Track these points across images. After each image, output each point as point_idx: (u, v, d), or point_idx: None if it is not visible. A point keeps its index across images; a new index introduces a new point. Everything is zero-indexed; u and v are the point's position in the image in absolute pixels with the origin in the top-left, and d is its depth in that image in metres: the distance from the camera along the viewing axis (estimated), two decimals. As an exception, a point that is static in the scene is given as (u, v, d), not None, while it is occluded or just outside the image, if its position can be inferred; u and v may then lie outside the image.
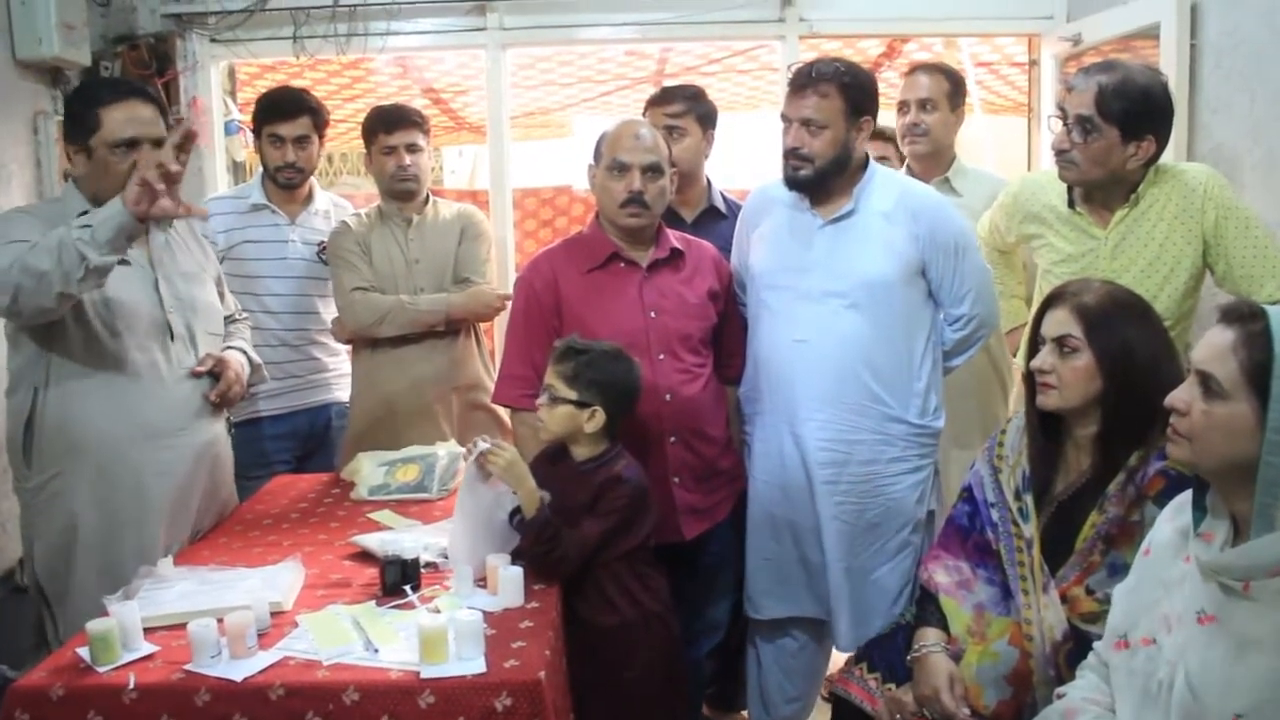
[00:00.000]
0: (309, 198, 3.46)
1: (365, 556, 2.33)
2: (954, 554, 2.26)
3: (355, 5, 3.88)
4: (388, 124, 3.22)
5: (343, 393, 3.48)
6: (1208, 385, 1.57)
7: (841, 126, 2.54)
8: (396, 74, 4.96)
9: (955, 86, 3.28)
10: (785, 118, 2.57)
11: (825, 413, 2.57)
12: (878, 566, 2.63)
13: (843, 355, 2.56)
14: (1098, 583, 1.99)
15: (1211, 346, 1.59)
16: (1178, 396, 1.62)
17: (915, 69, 3.36)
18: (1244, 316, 1.58)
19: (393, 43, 4.01)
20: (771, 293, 2.65)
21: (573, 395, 2.30)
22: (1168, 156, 2.60)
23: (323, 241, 3.38)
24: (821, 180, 2.57)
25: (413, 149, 3.23)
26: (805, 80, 2.52)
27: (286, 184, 3.36)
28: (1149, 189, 2.54)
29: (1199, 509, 1.66)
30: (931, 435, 2.67)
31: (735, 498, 2.74)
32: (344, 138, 5.98)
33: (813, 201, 2.62)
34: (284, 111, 3.30)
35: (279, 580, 2.13)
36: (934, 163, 3.29)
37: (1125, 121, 2.44)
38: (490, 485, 2.24)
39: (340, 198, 3.66)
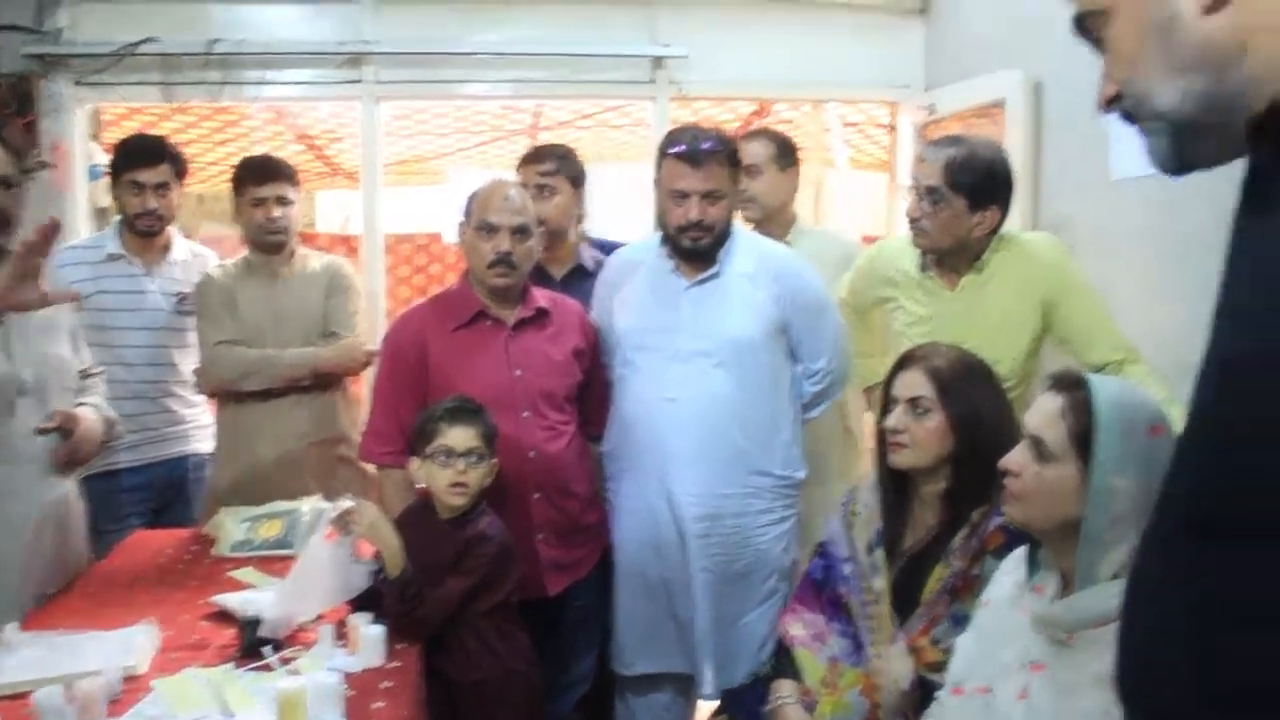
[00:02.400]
0: (168, 247, 3.38)
1: (225, 616, 2.28)
2: (809, 607, 2.34)
3: (229, 54, 3.83)
4: (257, 176, 3.20)
5: (201, 444, 3.41)
6: (1038, 449, 1.68)
7: (732, 194, 2.67)
8: (270, 119, 4.92)
9: (781, 148, 3.37)
10: (680, 191, 2.62)
11: (697, 469, 2.63)
12: (746, 613, 2.70)
13: (712, 412, 2.63)
14: (942, 633, 2.07)
15: (1042, 412, 1.70)
16: (1012, 459, 1.72)
17: (742, 136, 3.44)
18: (1070, 384, 1.69)
19: (267, 92, 3.98)
20: (639, 353, 2.71)
21: (487, 452, 2.35)
22: (1014, 224, 2.75)
23: (181, 292, 3.32)
24: (718, 247, 2.66)
25: (282, 201, 3.21)
26: (700, 154, 2.59)
27: (146, 231, 3.28)
28: (994, 256, 2.67)
29: (1033, 564, 1.77)
30: (794, 486, 2.77)
31: (599, 553, 2.77)
32: (214, 180, 5.89)
33: (679, 264, 2.70)
34: (144, 158, 3.23)
35: (133, 643, 2.07)
36: (773, 225, 3.35)
37: (971, 193, 2.57)
38: (342, 542, 2.24)
39: (202, 247, 3.58)
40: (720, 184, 2.61)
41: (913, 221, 2.66)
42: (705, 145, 2.59)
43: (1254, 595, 0.86)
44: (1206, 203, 2.46)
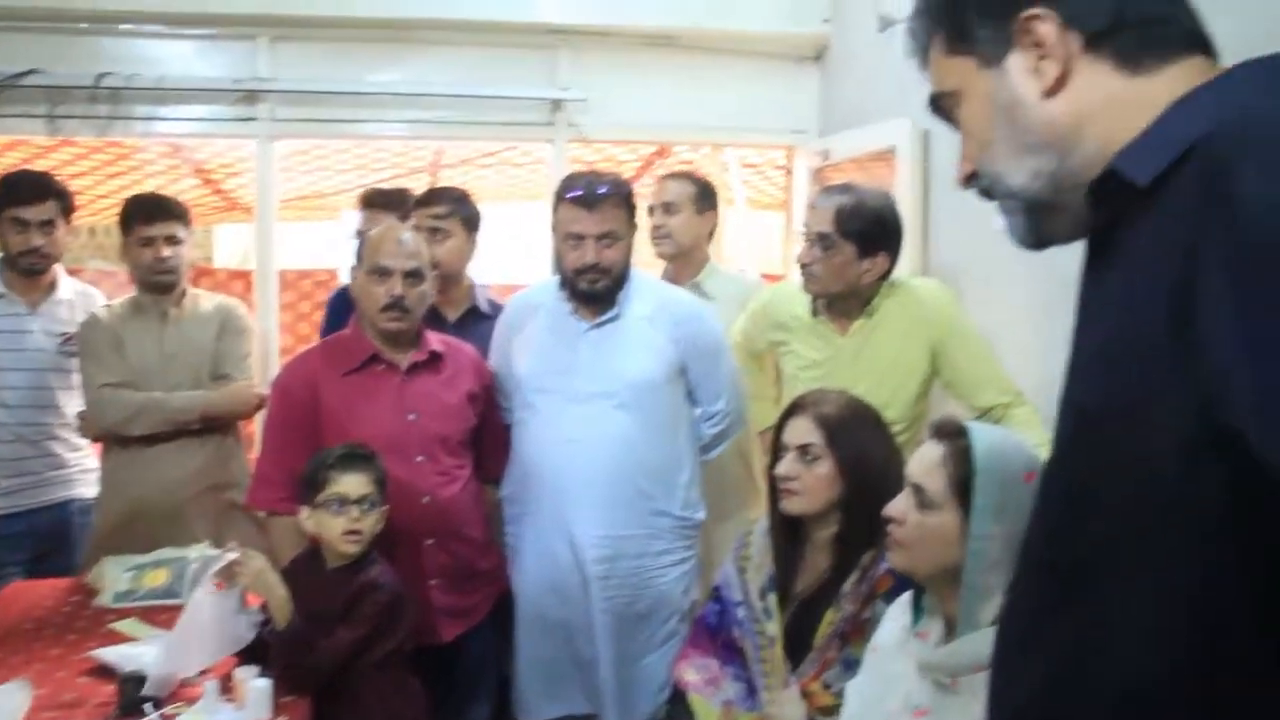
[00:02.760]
0: (53, 285, 3.29)
1: (105, 671, 2.20)
2: (704, 652, 2.35)
3: (118, 88, 3.75)
4: (146, 215, 3.13)
5: (85, 489, 3.31)
6: (920, 497, 1.71)
7: (629, 237, 2.69)
8: (165, 152, 4.82)
9: (701, 191, 3.42)
10: (576, 234, 2.65)
11: (599, 510, 2.64)
12: (646, 655, 2.70)
13: (613, 454, 2.64)
14: (834, 677, 2.09)
15: (923, 461, 1.74)
16: (895, 507, 1.75)
17: (664, 175, 3.52)
18: (950, 433, 1.73)
19: (158, 128, 3.91)
20: (540, 395, 2.71)
21: (380, 499, 2.32)
22: (904, 270, 2.81)
23: (66, 333, 3.23)
24: (616, 290, 2.69)
25: (172, 241, 3.14)
26: (595, 198, 2.62)
27: (30, 270, 3.19)
28: (883, 301, 2.73)
29: (917, 609, 1.80)
30: (694, 527, 2.79)
31: (494, 598, 2.75)
32: (106, 213, 5.75)
33: (578, 307, 2.71)
34: (29, 195, 3.14)
35: (1, 705, 2.00)
36: (685, 264, 3.41)
37: (860, 239, 2.63)
38: (228, 593, 2.19)
39: (88, 286, 3.49)
40: (616, 226, 2.64)
41: (804, 267, 2.71)
42: (600, 190, 2.63)
43: (1100, 636, 0.90)
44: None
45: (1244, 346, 0.74)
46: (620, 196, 2.66)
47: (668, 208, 3.37)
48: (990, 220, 3.05)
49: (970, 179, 1.08)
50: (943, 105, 1.09)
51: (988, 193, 1.07)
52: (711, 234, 3.50)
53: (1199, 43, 0.96)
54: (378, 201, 3.44)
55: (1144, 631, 0.86)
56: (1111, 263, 0.94)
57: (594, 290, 2.66)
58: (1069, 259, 2.66)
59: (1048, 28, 0.95)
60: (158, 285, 3.16)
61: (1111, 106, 0.94)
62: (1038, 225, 1.04)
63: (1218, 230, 0.77)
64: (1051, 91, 0.97)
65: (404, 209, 3.38)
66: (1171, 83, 0.92)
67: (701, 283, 3.38)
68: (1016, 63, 0.99)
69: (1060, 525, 0.98)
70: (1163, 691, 0.85)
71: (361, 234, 3.20)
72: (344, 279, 3.84)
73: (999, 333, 2.83)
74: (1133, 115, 0.92)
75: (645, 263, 3.84)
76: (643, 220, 3.25)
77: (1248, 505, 0.77)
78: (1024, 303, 2.89)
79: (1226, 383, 0.75)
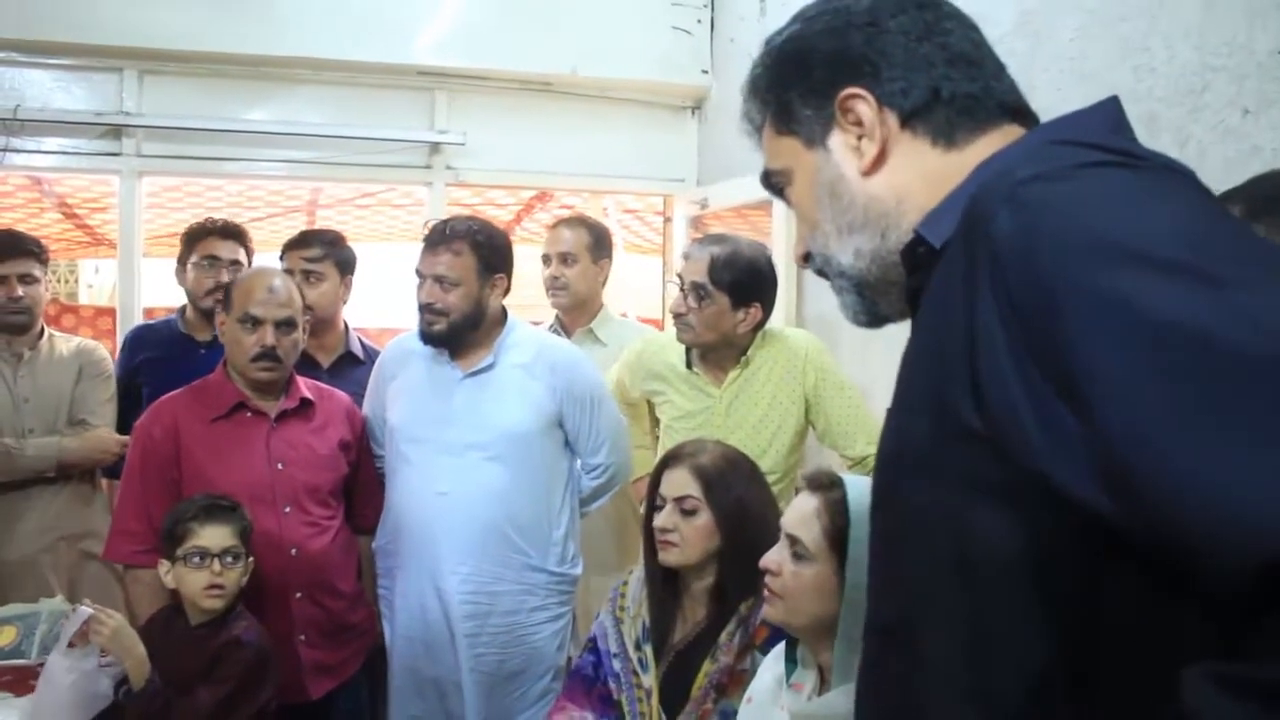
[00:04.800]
0: None
1: (-60, 739, 2.10)
2: (579, 704, 2.31)
3: (-30, 118, 3.60)
4: None
5: None
6: (795, 548, 1.72)
7: (475, 283, 2.61)
8: (25, 185, 4.64)
9: (597, 240, 3.39)
10: (419, 273, 2.63)
11: (468, 565, 2.58)
12: (518, 715, 2.65)
13: (485, 507, 2.59)
14: (710, 728, 2.10)
15: (798, 512, 1.75)
16: (770, 558, 1.75)
17: (558, 223, 3.47)
18: (824, 485, 1.74)
19: (15, 160, 3.73)
20: (412, 445, 2.66)
21: (244, 551, 2.26)
22: (778, 320, 2.85)
23: None
24: (455, 334, 2.63)
25: (26, 279, 3.02)
26: (439, 238, 2.59)
27: None
28: (758, 351, 2.76)
29: (790, 660, 1.81)
30: (570, 582, 2.75)
31: (365, 652, 2.68)
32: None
33: (452, 355, 2.68)
34: None
35: None
36: (580, 313, 3.38)
37: (733, 290, 2.65)
38: (85, 653, 2.09)
39: None
40: (455, 272, 2.58)
41: (677, 317, 2.72)
42: (448, 230, 2.61)
43: (920, 696, 0.89)
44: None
45: (1020, 383, 0.76)
46: (469, 242, 2.60)
47: (564, 258, 3.32)
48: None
49: (806, 259, 1.10)
50: (773, 183, 1.11)
51: (821, 272, 1.08)
52: (604, 281, 3.47)
53: (1016, 112, 0.99)
54: (232, 232, 3.29)
55: (963, 691, 0.85)
56: (916, 323, 0.96)
57: (429, 331, 2.62)
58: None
59: (865, 107, 0.98)
60: (10, 326, 3.03)
61: (927, 181, 0.97)
62: (870, 304, 1.05)
63: (983, 275, 0.80)
64: (871, 170, 0.99)
65: (244, 240, 3.27)
66: (983, 151, 0.95)
67: (595, 329, 3.36)
68: (838, 142, 1.00)
69: (876, 582, 0.99)
70: None
71: (212, 260, 3.15)
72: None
73: (871, 384, 2.89)
74: (947, 188, 0.94)
75: (532, 307, 3.83)
76: (534, 267, 3.24)
77: (1043, 552, 0.78)
78: (895, 354, 2.94)
79: (1015, 424, 0.77)
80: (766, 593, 1.76)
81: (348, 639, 2.62)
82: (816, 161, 1.02)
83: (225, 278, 3.12)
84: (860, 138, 0.99)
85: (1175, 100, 2.04)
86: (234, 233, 3.24)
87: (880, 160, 0.98)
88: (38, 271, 3.06)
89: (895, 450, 0.95)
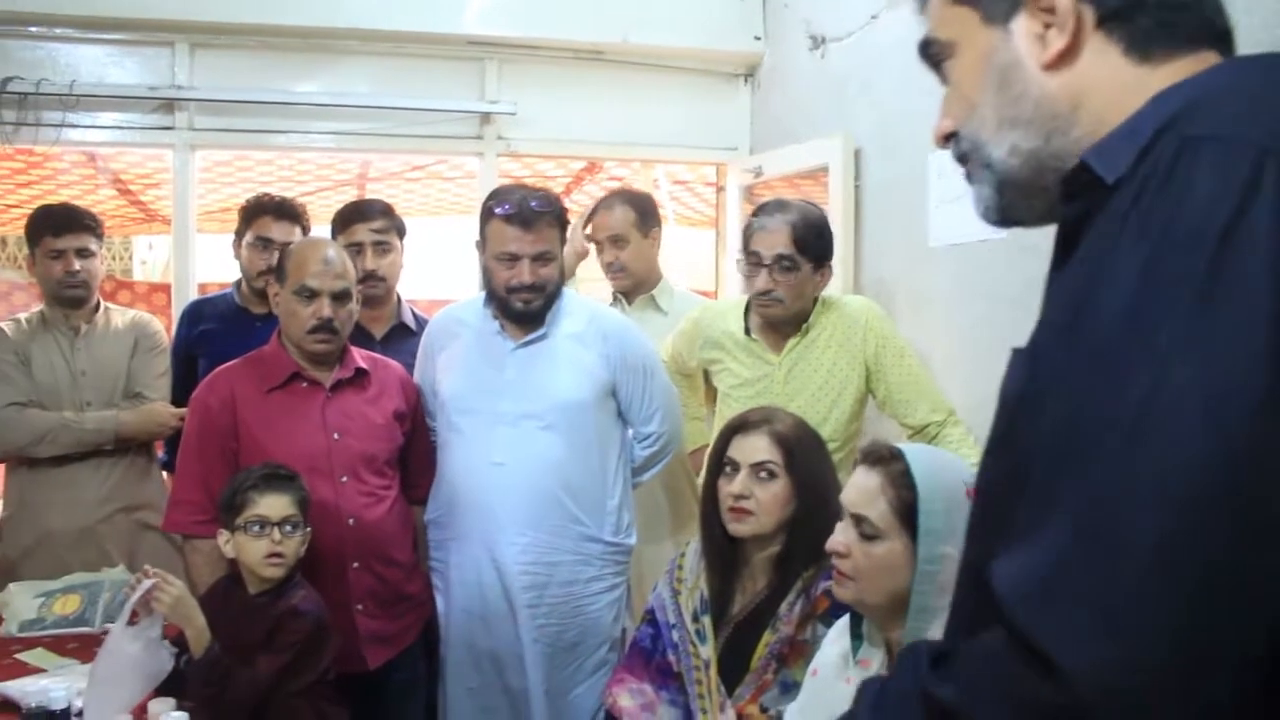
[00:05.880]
0: None
1: (8, 706, 2.10)
2: (638, 676, 2.30)
3: (26, 93, 3.62)
4: (55, 227, 3.02)
5: None
6: (863, 527, 1.68)
7: (560, 254, 2.63)
8: (80, 161, 4.68)
9: (642, 214, 3.35)
10: (510, 254, 2.56)
11: (526, 535, 2.56)
12: (576, 686, 2.63)
13: (541, 476, 2.57)
14: (771, 700, 2.06)
15: (860, 490, 1.70)
16: (837, 540, 1.70)
17: (598, 207, 3.41)
18: (884, 458, 1.70)
19: (70, 135, 3.75)
20: (465, 417, 2.64)
21: (303, 521, 2.25)
22: (834, 288, 2.81)
23: None
24: (550, 309, 2.62)
25: (83, 254, 3.04)
26: (531, 215, 2.53)
27: None
28: (817, 318, 2.71)
29: (856, 636, 1.77)
30: (625, 552, 2.73)
31: (422, 623, 2.67)
32: (16, 224, 5.57)
33: (504, 325, 2.66)
34: None
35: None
36: (641, 289, 3.37)
37: (816, 254, 2.62)
38: (148, 623, 2.09)
39: None
40: (550, 245, 2.58)
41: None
42: (534, 205, 2.55)
43: None
44: (1020, 268, 2.58)
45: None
46: (553, 214, 2.60)
47: (615, 241, 3.30)
48: (923, 238, 3.08)
49: (948, 139, 1.02)
50: (932, 53, 1.02)
51: (963, 158, 1.01)
52: (658, 249, 3.44)
53: (1216, 37, 0.91)
54: (286, 212, 3.31)
55: None
56: (1070, 258, 0.87)
57: (528, 310, 2.60)
58: (1002, 277, 2.68)
59: None
60: (68, 300, 3.05)
61: (1111, 92, 0.89)
62: (1006, 204, 0.98)
63: (1140, 220, 0.75)
64: (1053, 65, 0.91)
65: (305, 221, 3.29)
66: (1173, 76, 0.87)
67: (656, 297, 3.35)
68: (1022, 26, 0.92)
69: (977, 527, 0.95)
70: None
71: (265, 242, 3.16)
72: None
73: (929, 351, 2.84)
74: (1128, 107, 0.87)
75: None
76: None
77: None
78: (955, 321, 2.90)
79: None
80: (836, 574, 1.72)
81: (405, 609, 2.62)
82: (992, 41, 0.95)
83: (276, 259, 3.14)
84: (1048, 27, 0.91)
85: None
86: (289, 212, 3.24)
87: (1065, 57, 0.90)
88: (94, 246, 3.08)
89: (1008, 388, 0.90)
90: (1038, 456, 0.80)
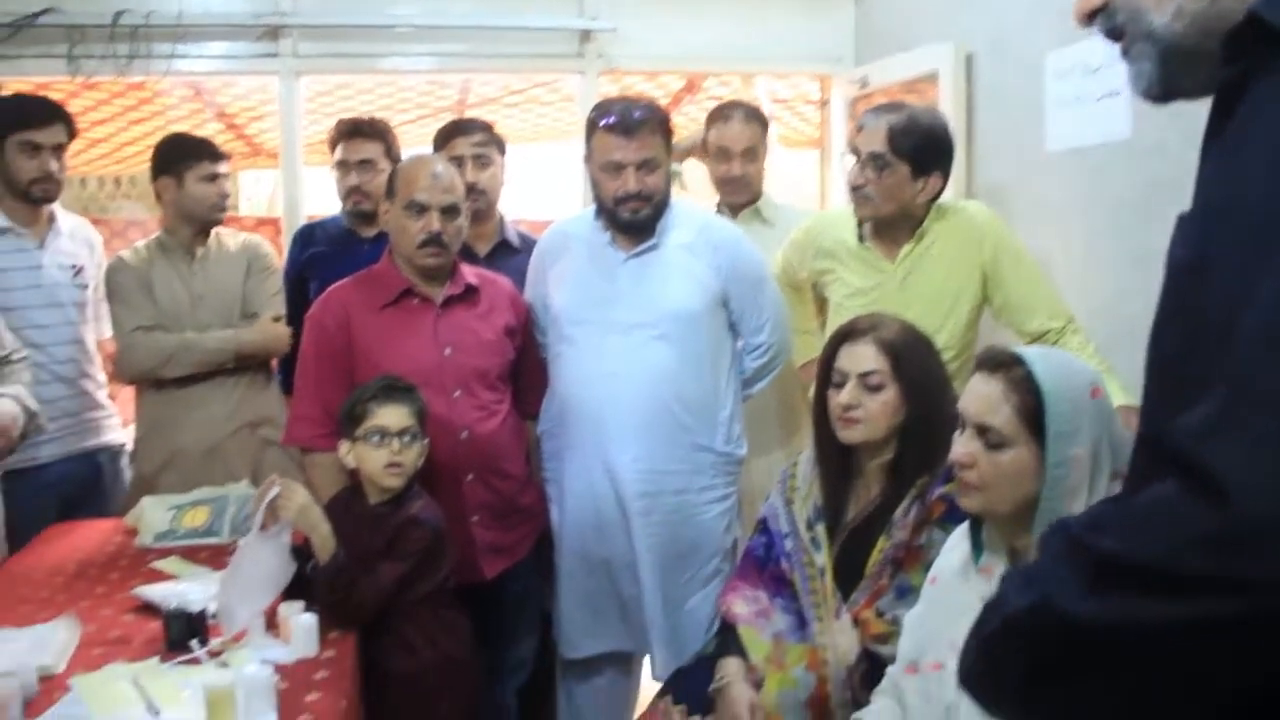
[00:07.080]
0: (52, 217, 3.17)
1: (149, 609, 2.18)
2: (751, 584, 2.30)
3: (137, 26, 3.68)
4: (212, 153, 3.10)
5: (114, 435, 3.27)
6: (987, 436, 1.64)
7: (667, 163, 2.61)
8: (187, 96, 4.76)
9: (764, 129, 3.31)
10: (615, 164, 2.55)
11: (638, 444, 2.57)
12: (691, 595, 2.65)
13: (653, 386, 2.57)
14: (887, 605, 2.05)
15: (981, 398, 1.65)
16: (962, 452, 1.66)
17: (730, 116, 3.29)
18: (1004, 364, 1.65)
19: (179, 65, 3.82)
20: (577, 328, 2.65)
21: (421, 431, 2.29)
22: (948, 195, 2.73)
23: (75, 265, 3.16)
24: (658, 217, 2.62)
25: (216, 179, 3.11)
26: (633, 124, 2.53)
27: (42, 198, 3.07)
28: (932, 225, 2.65)
29: (976, 544, 1.74)
30: (736, 463, 2.72)
31: (536, 534, 2.71)
32: (130, 161, 5.70)
33: (615, 236, 2.64)
34: (39, 117, 3.02)
35: (49, 641, 1.96)
36: (748, 201, 3.33)
37: (915, 158, 2.55)
38: (277, 530, 2.15)
39: (77, 217, 3.37)
40: (655, 153, 2.56)
41: (855, 189, 2.63)
42: (637, 114, 2.54)
43: None
44: (1139, 172, 2.48)
45: None
46: (657, 122, 2.58)
47: (749, 154, 3.23)
48: (1038, 144, 2.97)
49: (1095, 14, 0.97)
50: None
51: (1115, 33, 0.95)
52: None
53: None
54: (361, 130, 3.29)
55: None
56: (1234, 113, 0.82)
57: (636, 219, 2.59)
58: (1124, 181, 2.58)
59: None
60: (215, 222, 3.14)
61: None
62: (1170, 75, 0.93)
63: None
64: None
65: (387, 139, 3.29)
66: None
67: (761, 209, 3.31)
68: None
69: (1153, 397, 0.92)
70: None
71: (343, 165, 3.20)
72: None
73: (1046, 259, 2.76)
74: None
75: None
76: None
77: None
78: (1071, 226, 2.82)
79: None
80: (961, 485, 1.69)
81: (519, 521, 2.66)
82: None
83: (354, 180, 3.19)
84: None
85: None
86: (364, 130, 3.25)
87: None
88: (224, 168, 3.14)
89: (1176, 253, 0.86)
90: (1211, 323, 0.77)
